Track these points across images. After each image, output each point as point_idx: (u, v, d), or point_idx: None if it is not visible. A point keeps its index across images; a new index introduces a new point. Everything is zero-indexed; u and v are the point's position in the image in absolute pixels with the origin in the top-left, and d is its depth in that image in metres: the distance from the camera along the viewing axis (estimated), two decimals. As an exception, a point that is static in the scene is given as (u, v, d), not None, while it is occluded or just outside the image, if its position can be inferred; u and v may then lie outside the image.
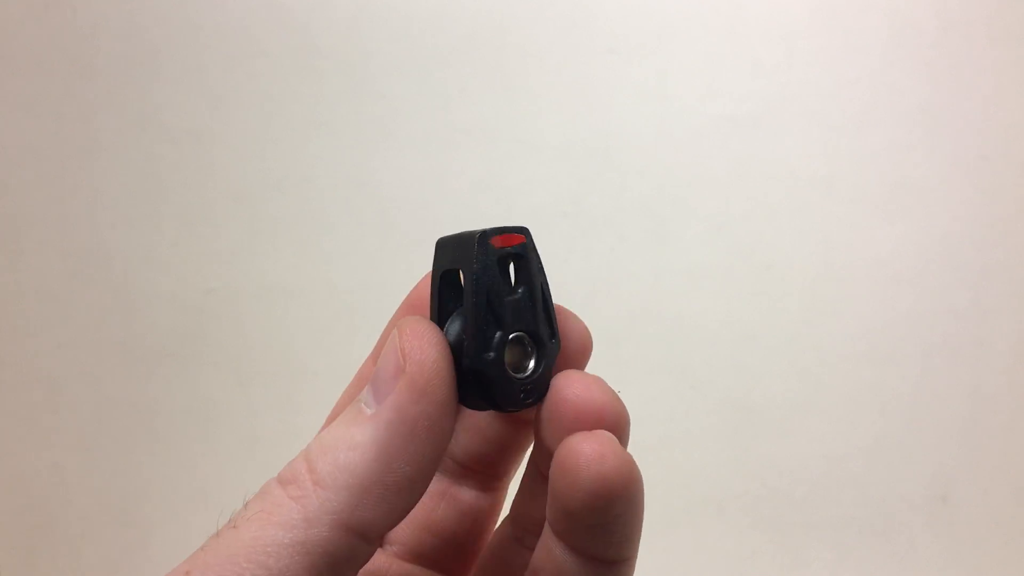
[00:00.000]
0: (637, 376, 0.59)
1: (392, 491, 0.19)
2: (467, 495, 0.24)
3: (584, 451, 0.19)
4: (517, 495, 0.24)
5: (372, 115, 0.60)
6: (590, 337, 0.23)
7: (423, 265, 0.22)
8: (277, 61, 0.60)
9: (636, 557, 0.21)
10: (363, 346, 0.24)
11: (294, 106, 0.60)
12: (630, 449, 0.20)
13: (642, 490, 0.19)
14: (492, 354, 0.20)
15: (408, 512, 0.19)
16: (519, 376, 0.21)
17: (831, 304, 0.59)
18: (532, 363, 0.21)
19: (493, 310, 0.20)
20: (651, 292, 0.59)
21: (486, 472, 0.25)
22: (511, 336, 0.20)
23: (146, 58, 0.60)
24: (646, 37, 0.59)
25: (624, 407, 0.20)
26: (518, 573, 0.22)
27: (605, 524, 0.19)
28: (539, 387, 0.21)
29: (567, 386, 0.20)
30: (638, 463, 0.19)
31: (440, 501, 0.24)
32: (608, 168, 0.59)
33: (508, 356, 0.21)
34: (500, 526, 0.24)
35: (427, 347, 0.19)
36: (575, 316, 0.23)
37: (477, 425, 0.24)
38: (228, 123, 0.60)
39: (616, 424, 0.20)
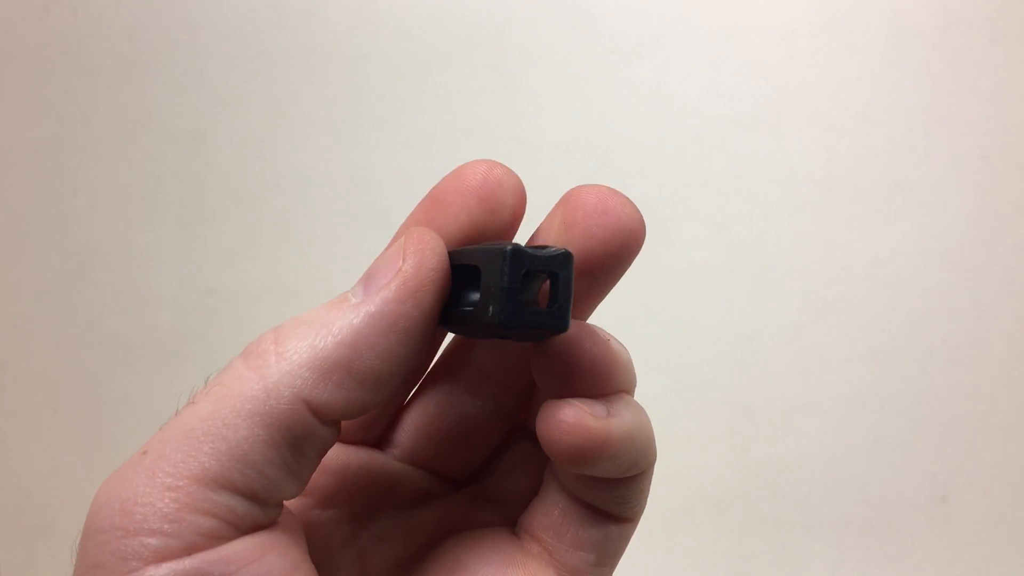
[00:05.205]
0: (637, 376, 0.59)
1: (354, 379, 0.18)
2: (476, 408, 0.23)
3: (566, 416, 0.20)
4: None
5: (372, 115, 0.59)
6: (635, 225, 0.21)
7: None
8: (277, 61, 0.60)
9: (638, 520, 0.21)
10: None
11: (294, 106, 0.60)
12: None
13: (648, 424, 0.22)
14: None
15: (368, 408, 0.19)
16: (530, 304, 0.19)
17: (831, 304, 0.59)
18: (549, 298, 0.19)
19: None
20: (651, 292, 0.59)
21: (501, 385, 0.23)
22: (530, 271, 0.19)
23: (146, 58, 0.60)
24: (646, 37, 0.59)
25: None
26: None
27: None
28: (553, 312, 0.19)
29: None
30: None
31: (449, 409, 0.23)
32: (608, 168, 0.59)
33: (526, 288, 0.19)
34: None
35: (428, 253, 0.19)
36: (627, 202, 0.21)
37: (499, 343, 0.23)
38: (228, 123, 0.60)
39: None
